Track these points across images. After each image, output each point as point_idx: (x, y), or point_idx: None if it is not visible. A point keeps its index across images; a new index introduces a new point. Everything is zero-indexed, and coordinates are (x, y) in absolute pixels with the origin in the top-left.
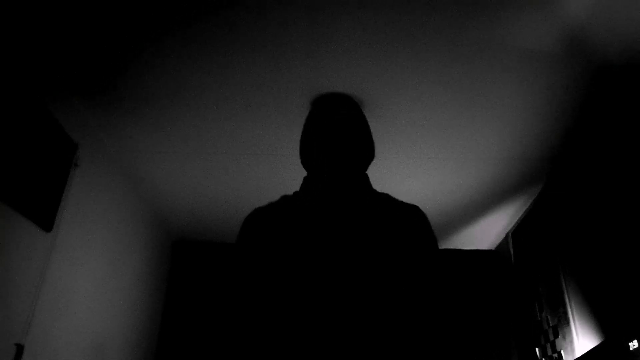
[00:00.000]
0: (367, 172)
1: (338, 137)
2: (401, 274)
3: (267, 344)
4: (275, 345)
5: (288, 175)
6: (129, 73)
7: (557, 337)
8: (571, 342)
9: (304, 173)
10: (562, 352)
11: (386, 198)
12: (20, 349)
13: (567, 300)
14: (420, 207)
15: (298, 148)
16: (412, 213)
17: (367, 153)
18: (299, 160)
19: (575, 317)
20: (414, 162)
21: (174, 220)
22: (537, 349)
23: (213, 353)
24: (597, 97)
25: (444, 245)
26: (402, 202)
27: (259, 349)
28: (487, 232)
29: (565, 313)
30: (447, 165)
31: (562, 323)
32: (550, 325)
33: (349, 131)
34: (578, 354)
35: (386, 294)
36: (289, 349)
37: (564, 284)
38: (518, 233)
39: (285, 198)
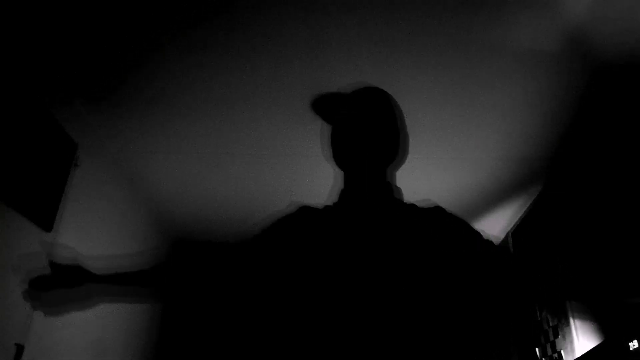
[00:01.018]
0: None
1: (345, 141)
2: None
3: (271, 344)
4: (279, 346)
5: (288, 176)
6: (129, 74)
7: (557, 337)
8: (571, 342)
9: (304, 173)
10: (562, 352)
11: (409, 208)
12: (20, 349)
13: (567, 300)
14: (420, 207)
15: (298, 148)
16: (434, 218)
17: (384, 154)
18: (299, 160)
19: (575, 317)
20: (413, 162)
21: (173, 220)
22: (537, 349)
23: (215, 353)
24: (596, 96)
25: None
26: (423, 209)
27: (263, 349)
28: (487, 232)
29: (565, 313)
30: (447, 165)
31: (562, 323)
32: (550, 325)
33: (356, 134)
34: (578, 354)
35: (396, 303)
36: (294, 351)
37: (564, 284)
38: (518, 233)
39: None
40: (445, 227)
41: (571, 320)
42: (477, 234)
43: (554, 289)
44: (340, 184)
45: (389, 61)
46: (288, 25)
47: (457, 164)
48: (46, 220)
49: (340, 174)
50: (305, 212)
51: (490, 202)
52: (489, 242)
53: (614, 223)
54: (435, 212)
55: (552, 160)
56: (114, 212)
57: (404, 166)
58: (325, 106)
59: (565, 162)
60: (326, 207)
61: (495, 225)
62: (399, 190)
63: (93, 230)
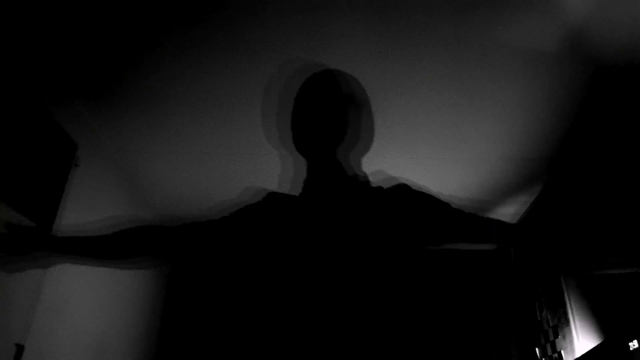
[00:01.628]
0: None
1: (298, 132)
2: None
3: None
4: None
5: (288, 176)
6: (128, 73)
7: (557, 337)
8: (571, 342)
9: (303, 173)
10: (562, 352)
11: (377, 191)
12: (20, 349)
13: (567, 300)
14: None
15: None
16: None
17: (338, 138)
18: (299, 160)
19: (575, 317)
20: (413, 162)
21: (174, 220)
22: (537, 349)
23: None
24: (597, 97)
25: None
26: (388, 189)
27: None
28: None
29: (565, 313)
30: (447, 165)
31: (562, 323)
32: (550, 325)
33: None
34: (578, 354)
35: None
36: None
37: (564, 284)
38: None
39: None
40: (415, 203)
41: (571, 320)
42: (447, 205)
43: (554, 289)
44: (301, 173)
45: (388, 61)
46: (287, 26)
47: (457, 164)
48: (46, 220)
49: (298, 161)
50: (275, 199)
51: (490, 202)
52: (459, 210)
53: (614, 223)
54: (401, 190)
55: (552, 160)
56: (114, 212)
57: (404, 166)
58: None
59: (566, 163)
60: (293, 196)
61: None
62: (365, 175)
63: (93, 230)
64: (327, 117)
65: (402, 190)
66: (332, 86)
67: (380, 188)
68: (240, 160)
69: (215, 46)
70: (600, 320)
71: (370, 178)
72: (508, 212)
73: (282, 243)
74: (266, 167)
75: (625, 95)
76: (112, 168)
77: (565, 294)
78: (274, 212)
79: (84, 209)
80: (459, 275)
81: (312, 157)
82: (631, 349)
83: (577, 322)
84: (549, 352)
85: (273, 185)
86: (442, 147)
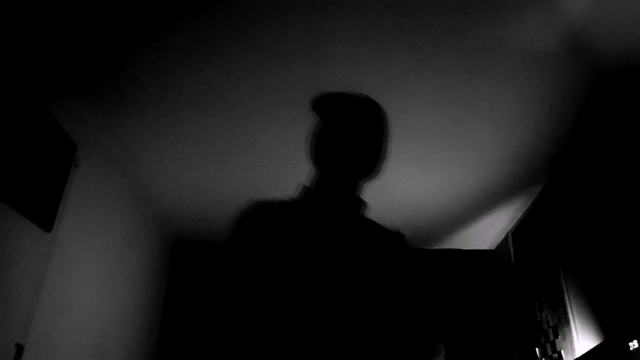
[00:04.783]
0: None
1: (334, 142)
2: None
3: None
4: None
5: (288, 175)
6: (129, 73)
7: (557, 337)
8: (571, 342)
9: (303, 174)
10: (562, 352)
11: (370, 222)
12: (20, 349)
13: (567, 300)
14: (420, 206)
15: (298, 148)
16: (393, 237)
17: (365, 167)
18: (299, 161)
19: (575, 317)
20: (414, 162)
21: (173, 220)
22: (537, 349)
23: (213, 354)
24: (597, 97)
25: (444, 245)
26: (384, 228)
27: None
28: (487, 232)
29: (565, 313)
30: (447, 165)
31: (562, 323)
32: (550, 325)
33: (348, 139)
34: (578, 354)
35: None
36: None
37: (564, 284)
38: (518, 233)
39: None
40: (392, 251)
41: (571, 320)
42: (409, 272)
43: (554, 289)
44: (309, 182)
45: (389, 62)
46: (288, 26)
47: (457, 164)
48: (46, 220)
49: (310, 172)
50: (263, 208)
51: (490, 202)
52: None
53: (614, 223)
54: (393, 236)
55: (552, 160)
56: (113, 212)
57: (405, 166)
58: (328, 105)
59: (566, 162)
60: (283, 202)
61: (495, 225)
62: (366, 205)
63: (93, 230)
64: (370, 150)
65: (396, 239)
66: (379, 119)
67: (374, 224)
68: (241, 160)
69: (215, 46)
70: (600, 320)
71: (368, 211)
72: (508, 212)
73: (286, 250)
74: (266, 167)
75: (625, 94)
76: (112, 168)
77: (565, 294)
78: (282, 222)
79: (84, 209)
80: (459, 275)
81: (329, 175)
82: (631, 349)
83: (577, 322)
84: (549, 352)
85: (283, 187)
86: (442, 147)
